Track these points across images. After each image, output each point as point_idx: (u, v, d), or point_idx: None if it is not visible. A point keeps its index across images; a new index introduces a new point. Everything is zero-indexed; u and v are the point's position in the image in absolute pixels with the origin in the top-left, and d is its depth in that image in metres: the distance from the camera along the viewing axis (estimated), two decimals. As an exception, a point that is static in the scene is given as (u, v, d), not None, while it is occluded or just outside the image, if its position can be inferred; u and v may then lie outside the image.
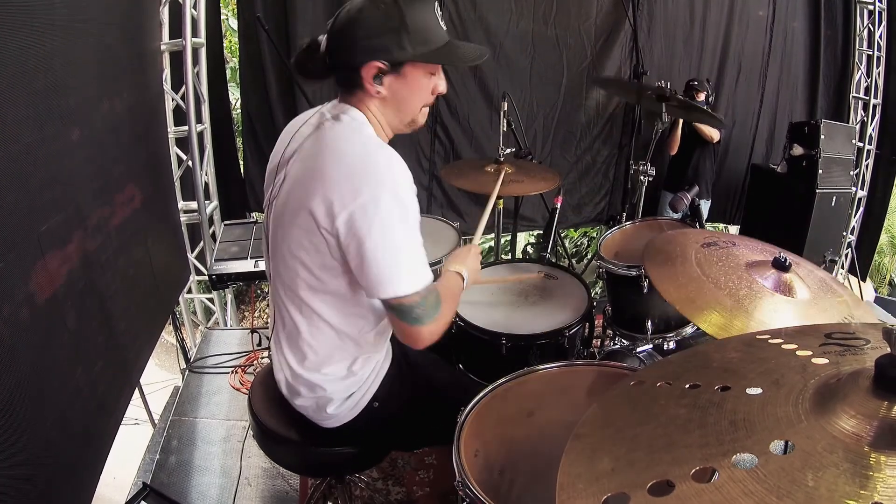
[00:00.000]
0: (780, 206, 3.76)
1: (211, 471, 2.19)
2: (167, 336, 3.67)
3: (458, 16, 3.49)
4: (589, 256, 5.20)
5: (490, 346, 1.77)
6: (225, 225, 3.11)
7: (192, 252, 3.34)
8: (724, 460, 0.61)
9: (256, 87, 3.46)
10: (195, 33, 3.02)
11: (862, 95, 4.13)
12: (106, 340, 1.93)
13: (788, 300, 1.31)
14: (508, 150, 2.67)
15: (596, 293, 3.72)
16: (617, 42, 3.77)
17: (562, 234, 4.77)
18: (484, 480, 1.16)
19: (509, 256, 3.35)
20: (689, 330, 2.16)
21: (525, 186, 2.48)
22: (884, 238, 5.47)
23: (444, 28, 1.19)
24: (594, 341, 2.24)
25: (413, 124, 1.28)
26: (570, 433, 0.75)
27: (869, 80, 4.08)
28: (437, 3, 1.19)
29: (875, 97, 4.09)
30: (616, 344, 2.40)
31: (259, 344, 2.90)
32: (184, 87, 3.02)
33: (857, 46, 4.04)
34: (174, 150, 3.13)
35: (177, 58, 3.01)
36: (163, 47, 2.92)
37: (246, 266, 2.67)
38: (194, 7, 3.00)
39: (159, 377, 3.58)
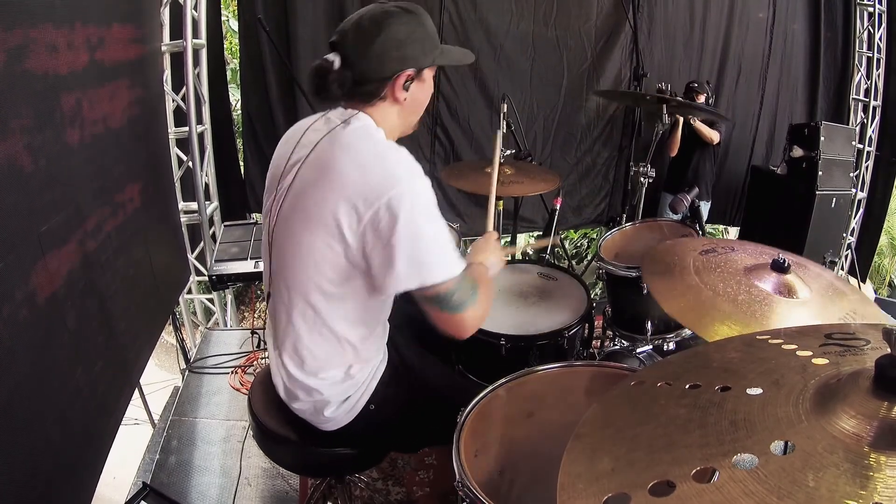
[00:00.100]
0: (780, 208, 3.76)
1: (211, 471, 2.19)
2: (167, 336, 3.66)
3: (459, 17, 3.50)
4: (589, 258, 5.20)
5: (490, 347, 1.77)
6: (225, 226, 3.12)
7: (193, 253, 3.34)
8: (725, 460, 0.61)
9: (257, 88, 3.46)
10: (196, 34, 3.03)
11: (862, 97, 4.14)
12: (106, 340, 1.93)
13: (789, 301, 1.30)
14: (508, 152, 2.67)
15: (596, 294, 3.73)
16: (617, 44, 3.77)
17: (562, 236, 4.78)
18: (484, 481, 1.17)
19: (509, 257, 3.35)
20: (688, 331, 2.16)
21: (525, 188, 2.48)
22: (883, 239, 5.47)
23: None
24: (594, 342, 2.24)
25: (416, 126, 1.34)
26: (570, 433, 0.75)
27: (869, 82, 4.08)
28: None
29: (875, 99, 4.09)
30: (616, 345, 2.40)
31: (259, 345, 2.90)
32: (184, 88, 3.02)
33: (856, 48, 4.04)
34: (175, 151, 3.13)
35: (177, 59, 3.01)
36: (163, 48, 2.92)
37: (246, 267, 2.67)
38: (195, 8, 3.01)
39: (159, 377, 3.57)
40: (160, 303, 2.69)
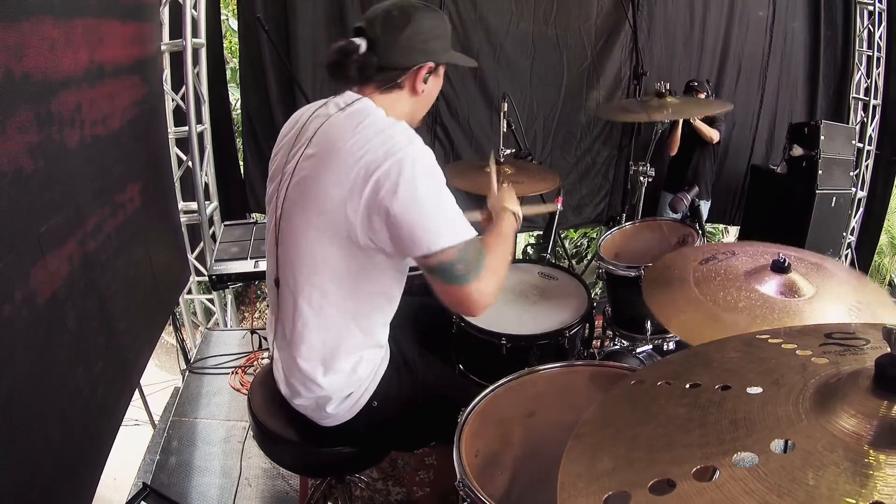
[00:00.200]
0: (780, 207, 3.76)
1: (211, 471, 2.19)
2: (167, 337, 3.66)
3: (459, 16, 3.50)
4: (589, 257, 5.20)
5: (490, 347, 1.77)
6: (225, 225, 3.12)
7: (192, 253, 3.34)
8: (725, 459, 0.61)
9: (256, 88, 3.46)
10: (195, 34, 3.03)
11: (862, 96, 4.13)
12: (106, 341, 1.93)
13: (792, 301, 1.28)
14: (508, 151, 2.67)
15: (596, 294, 3.73)
16: (617, 43, 3.77)
17: (562, 235, 4.78)
18: (484, 481, 1.17)
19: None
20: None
21: (525, 187, 2.48)
22: (883, 238, 5.47)
23: None
24: (594, 342, 2.24)
25: (419, 123, 1.36)
26: (571, 433, 0.75)
27: (869, 81, 4.08)
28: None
29: (875, 98, 4.08)
30: (616, 344, 2.41)
31: (259, 345, 2.91)
32: (184, 88, 3.03)
33: (856, 47, 4.04)
34: (174, 151, 3.13)
35: (177, 58, 3.02)
36: (163, 48, 2.92)
37: (246, 266, 2.67)
38: (194, 7, 3.01)
39: (159, 378, 3.58)
40: (160, 303, 2.69)
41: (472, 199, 3.88)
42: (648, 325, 2.12)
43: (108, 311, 1.95)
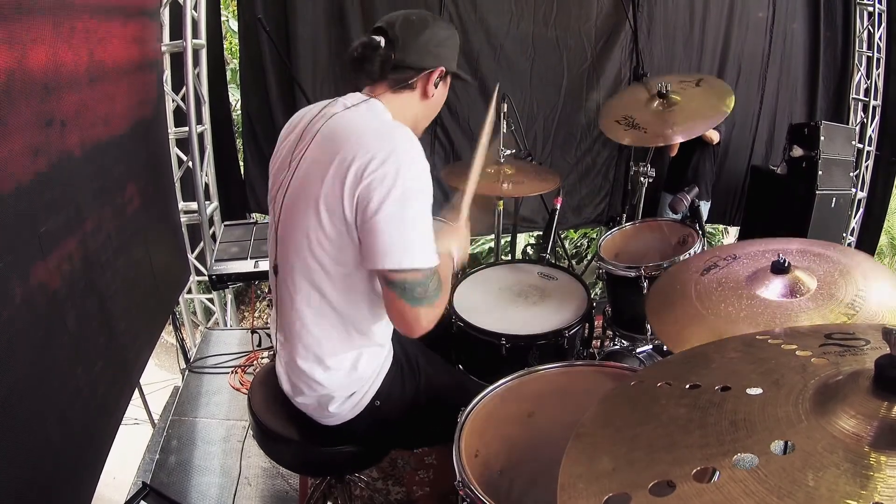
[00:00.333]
0: (779, 208, 3.76)
1: (211, 471, 2.19)
2: (167, 336, 3.66)
3: (459, 17, 3.49)
4: (589, 257, 5.20)
5: (490, 347, 1.77)
6: (225, 226, 3.11)
7: (193, 252, 3.34)
8: (725, 460, 0.61)
9: (257, 89, 3.46)
10: (196, 34, 3.03)
11: (861, 97, 4.13)
12: (106, 341, 1.93)
13: (791, 301, 1.25)
14: (508, 152, 2.67)
15: (596, 294, 3.73)
16: (617, 44, 3.77)
17: (562, 235, 4.78)
18: (484, 480, 1.17)
19: (509, 257, 3.35)
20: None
21: (525, 188, 2.48)
22: (884, 239, 5.47)
23: None
24: (594, 342, 2.25)
25: (422, 130, 1.40)
26: (571, 433, 0.75)
27: (869, 82, 4.08)
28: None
29: (875, 99, 4.08)
30: (616, 344, 2.41)
31: (259, 344, 2.90)
32: (184, 89, 3.02)
33: (856, 48, 4.04)
34: (174, 151, 3.13)
35: (177, 59, 3.01)
36: (163, 48, 2.92)
37: (246, 266, 2.67)
38: (195, 8, 3.00)
39: (159, 377, 3.58)
40: (160, 303, 2.69)
41: (472, 200, 3.89)
42: (648, 325, 2.12)
43: (108, 311, 1.95)
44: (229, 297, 3.65)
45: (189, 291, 3.42)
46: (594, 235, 5.40)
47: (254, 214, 3.76)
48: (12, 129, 1.38)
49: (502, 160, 2.59)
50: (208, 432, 2.41)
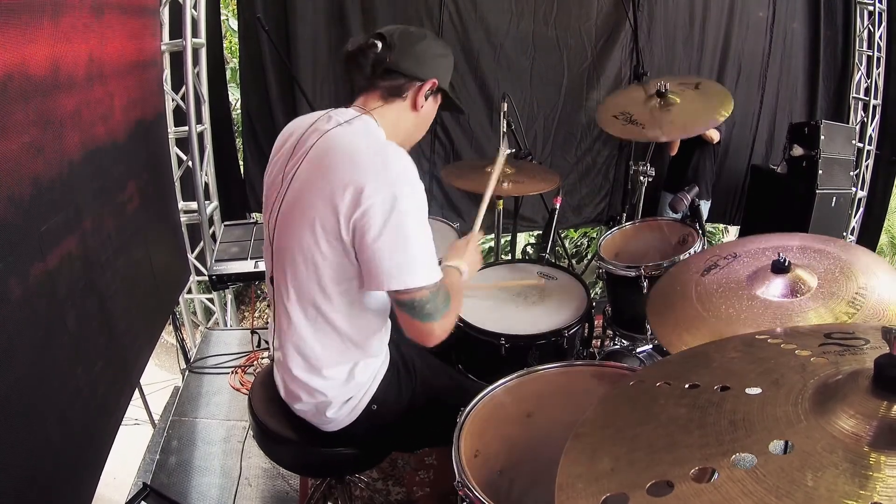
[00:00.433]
0: (780, 207, 3.75)
1: (211, 471, 2.19)
2: (167, 336, 3.67)
3: (459, 16, 3.49)
4: (589, 257, 5.20)
5: (489, 347, 1.77)
6: (225, 225, 3.12)
7: (192, 252, 3.34)
8: (724, 460, 0.61)
9: (256, 88, 3.46)
10: (195, 34, 3.03)
11: (862, 96, 4.13)
12: (106, 341, 1.93)
13: (792, 301, 1.25)
14: (509, 151, 2.67)
15: (596, 294, 3.73)
16: (617, 43, 3.77)
17: (562, 235, 4.77)
18: (484, 481, 1.17)
19: (509, 257, 3.35)
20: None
21: (525, 187, 2.48)
22: (884, 238, 5.47)
23: None
24: (594, 342, 2.24)
25: (413, 144, 1.39)
26: (570, 433, 0.75)
27: (869, 81, 4.07)
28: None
29: (875, 98, 4.08)
30: (616, 344, 2.41)
31: (259, 344, 2.90)
32: (184, 88, 3.02)
33: (856, 47, 4.03)
34: (174, 151, 3.13)
35: (177, 58, 3.01)
36: (163, 48, 2.92)
37: (246, 266, 2.67)
38: (194, 7, 3.00)
39: (159, 377, 3.58)
40: (160, 303, 2.69)
41: (473, 199, 3.91)
42: (648, 325, 2.12)
43: (108, 311, 1.95)
44: (229, 297, 3.65)
45: (189, 291, 3.42)
46: (594, 235, 5.39)
47: (254, 214, 3.76)
48: (12, 129, 1.38)
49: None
50: (209, 433, 2.41)
